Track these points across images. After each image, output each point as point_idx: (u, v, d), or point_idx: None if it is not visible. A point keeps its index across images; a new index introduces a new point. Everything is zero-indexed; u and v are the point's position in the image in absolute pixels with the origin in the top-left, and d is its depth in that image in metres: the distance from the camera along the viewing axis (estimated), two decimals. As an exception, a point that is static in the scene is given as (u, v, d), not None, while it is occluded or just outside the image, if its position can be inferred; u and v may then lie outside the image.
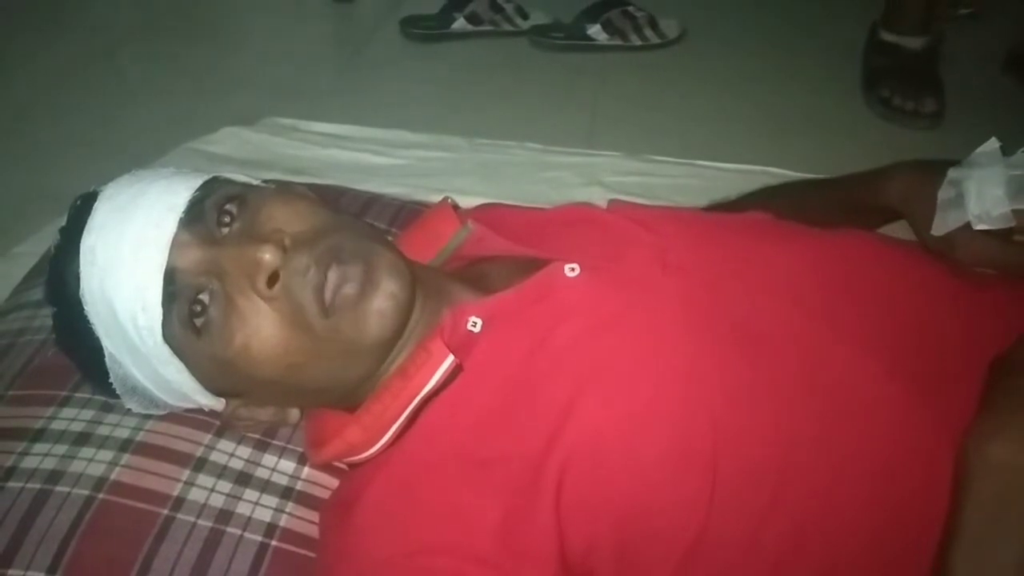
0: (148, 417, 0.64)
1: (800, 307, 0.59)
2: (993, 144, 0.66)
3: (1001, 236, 0.64)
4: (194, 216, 0.56)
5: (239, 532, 0.59)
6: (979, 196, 0.63)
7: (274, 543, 0.60)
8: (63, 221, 0.59)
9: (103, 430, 0.63)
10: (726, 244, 0.63)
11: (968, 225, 0.63)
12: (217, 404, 0.61)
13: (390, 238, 0.78)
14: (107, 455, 0.62)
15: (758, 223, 0.68)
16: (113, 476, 0.60)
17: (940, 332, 0.60)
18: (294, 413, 0.63)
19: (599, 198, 1.00)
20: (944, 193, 0.66)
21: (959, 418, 0.55)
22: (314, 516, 0.62)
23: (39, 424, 0.64)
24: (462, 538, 0.52)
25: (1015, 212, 0.62)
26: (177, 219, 0.55)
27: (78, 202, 0.59)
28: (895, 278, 0.62)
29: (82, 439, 0.63)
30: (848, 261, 0.63)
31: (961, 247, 0.65)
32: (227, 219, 0.56)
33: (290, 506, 0.62)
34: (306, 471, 0.64)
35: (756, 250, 0.62)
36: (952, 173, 0.65)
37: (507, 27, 1.84)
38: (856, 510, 0.53)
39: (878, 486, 0.54)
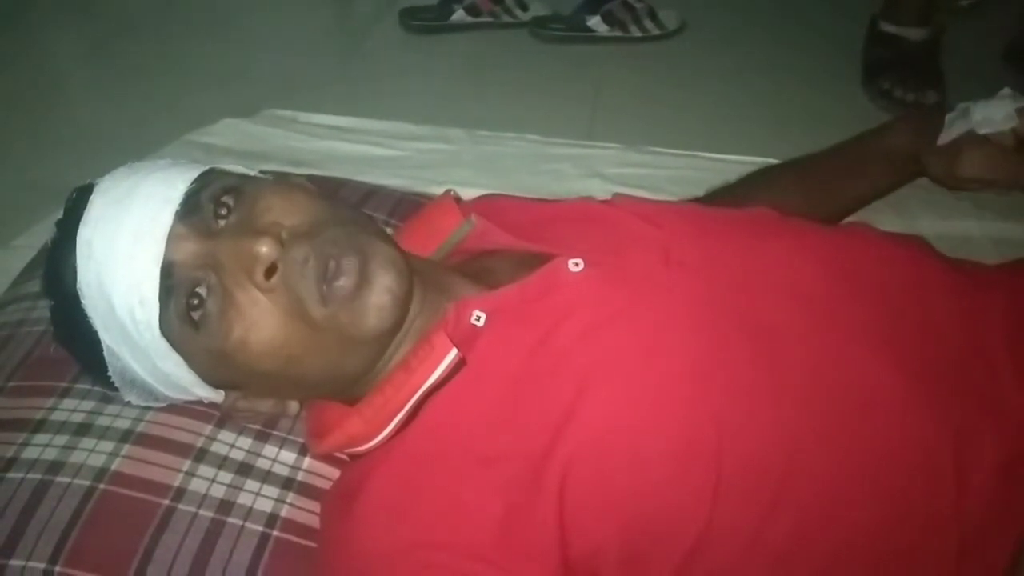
0: (148, 408, 0.64)
1: (804, 303, 0.58)
2: (1006, 91, 0.68)
3: (1003, 147, 0.65)
4: (190, 208, 0.55)
5: (240, 522, 0.60)
6: (984, 105, 0.66)
7: (275, 533, 0.60)
8: (61, 214, 0.59)
9: (103, 421, 0.63)
10: (730, 240, 0.63)
11: (972, 137, 0.65)
12: (216, 396, 0.61)
13: (390, 230, 0.78)
14: (108, 446, 0.62)
15: (761, 218, 0.67)
16: (114, 467, 0.61)
17: (942, 329, 0.60)
18: (294, 405, 0.63)
19: (599, 190, 1.00)
20: (952, 115, 0.69)
21: (960, 414, 0.55)
22: (315, 507, 0.62)
23: (39, 415, 0.64)
24: (462, 534, 0.51)
25: (1019, 111, 0.64)
26: (173, 211, 0.55)
27: (74, 195, 0.59)
28: (898, 275, 0.62)
29: (83, 430, 0.63)
30: (851, 257, 0.62)
31: (963, 158, 0.67)
32: (224, 211, 0.56)
33: (291, 497, 0.62)
34: (307, 462, 0.65)
35: (760, 246, 0.62)
36: (962, 104, 0.68)
37: (507, 19, 1.83)
38: (859, 506, 0.53)
39: (881, 482, 0.54)
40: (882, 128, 0.75)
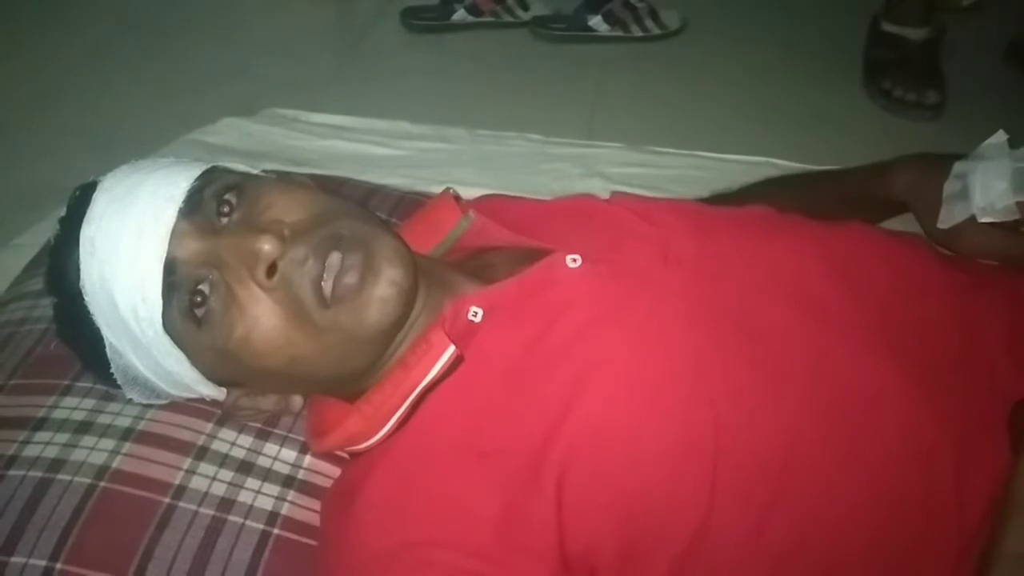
0: (149, 406, 0.64)
1: (802, 301, 0.59)
2: (1000, 137, 0.66)
3: (1006, 228, 0.64)
4: (193, 206, 0.55)
5: (241, 520, 0.60)
6: (984, 189, 0.64)
7: (276, 531, 0.60)
8: (63, 212, 0.59)
9: (105, 419, 0.63)
10: (729, 238, 0.63)
11: (973, 218, 0.64)
12: (219, 394, 0.61)
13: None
14: (109, 444, 0.62)
15: (760, 217, 0.67)
16: (115, 465, 0.61)
17: (941, 327, 0.60)
18: (296, 402, 0.63)
19: (600, 189, 1.00)
20: (950, 187, 0.66)
21: (959, 414, 0.55)
22: (316, 504, 0.62)
23: (41, 413, 0.64)
24: (460, 531, 0.52)
25: (1020, 204, 0.62)
26: (176, 209, 0.55)
27: (77, 192, 0.59)
28: (897, 273, 0.62)
29: (84, 428, 0.63)
30: (850, 255, 0.63)
31: (967, 240, 0.65)
32: (226, 209, 0.56)
33: (292, 495, 0.62)
34: (307, 460, 0.65)
35: (758, 244, 0.62)
36: (958, 167, 0.66)
37: (508, 18, 1.83)
38: (857, 505, 0.53)
39: (879, 481, 0.54)
40: (882, 171, 0.72)
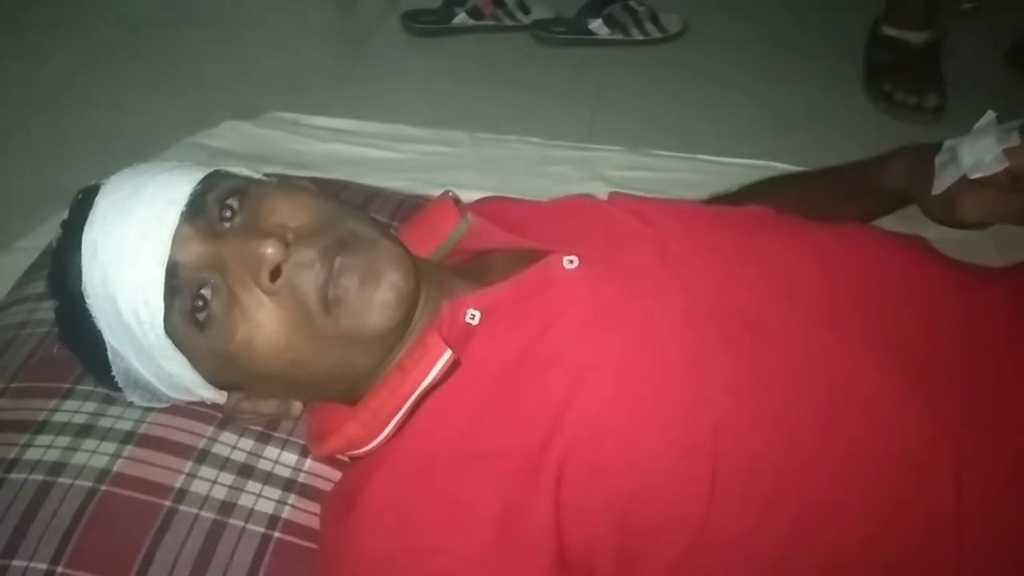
0: (150, 409, 0.64)
1: (801, 301, 0.58)
2: (989, 116, 0.67)
3: (999, 187, 0.65)
4: (196, 210, 0.55)
5: (242, 524, 0.60)
6: (972, 148, 0.65)
7: (276, 535, 0.60)
8: (65, 215, 0.59)
9: (106, 422, 0.64)
10: (727, 237, 0.63)
11: (966, 182, 0.65)
12: (220, 397, 0.61)
13: (392, 231, 0.78)
14: (110, 447, 0.62)
15: (758, 217, 0.68)
16: (116, 468, 0.61)
17: (941, 327, 0.60)
18: (296, 406, 0.63)
19: (600, 192, 1.00)
20: (941, 158, 0.68)
21: (960, 414, 0.55)
22: (316, 508, 0.62)
23: (42, 416, 0.64)
24: (459, 536, 0.52)
25: (1007, 152, 0.63)
26: (179, 213, 0.55)
27: (79, 196, 0.59)
28: (896, 273, 0.62)
29: (85, 431, 0.63)
30: (849, 255, 0.62)
31: (963, 206, 0.66)
32: (229, 213, 0.56)
33: (292, 498, 0.62)
34: (308, 463, 0.65)
35: (757, 243, 0.62)
36: (948, 142, 0.68)
37: (509, 22, 1.83)
38: (857, 506, 0.53)
39: (879, 481, 0.54)
40: (879, 164, 0.73)
